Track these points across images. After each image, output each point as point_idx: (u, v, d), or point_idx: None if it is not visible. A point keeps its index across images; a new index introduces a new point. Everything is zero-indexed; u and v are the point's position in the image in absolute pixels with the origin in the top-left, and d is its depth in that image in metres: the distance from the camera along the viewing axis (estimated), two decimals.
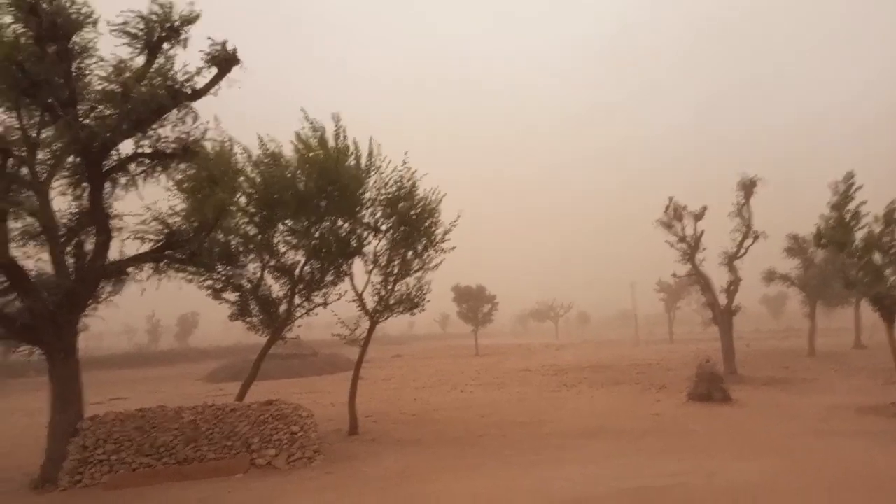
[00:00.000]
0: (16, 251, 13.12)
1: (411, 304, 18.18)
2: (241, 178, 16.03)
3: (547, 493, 10.82)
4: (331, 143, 16.60)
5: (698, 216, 32.47)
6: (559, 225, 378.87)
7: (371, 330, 18.45)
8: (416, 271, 17.97)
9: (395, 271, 17.85)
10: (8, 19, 11.88)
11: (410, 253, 17.72)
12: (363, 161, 16.99)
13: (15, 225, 13.35)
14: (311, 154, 16.39)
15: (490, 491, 11.16)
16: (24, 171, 13.06)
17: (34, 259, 13.81)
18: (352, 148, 16.86)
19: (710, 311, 32.26)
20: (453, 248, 18.11)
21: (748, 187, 31.08)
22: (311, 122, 16.67)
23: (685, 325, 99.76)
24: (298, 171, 16.51)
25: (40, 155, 13.31)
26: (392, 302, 18.04)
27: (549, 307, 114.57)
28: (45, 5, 11.81)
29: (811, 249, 40.47)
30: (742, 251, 31.49)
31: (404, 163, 17.25)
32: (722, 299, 31.32)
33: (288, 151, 16.80)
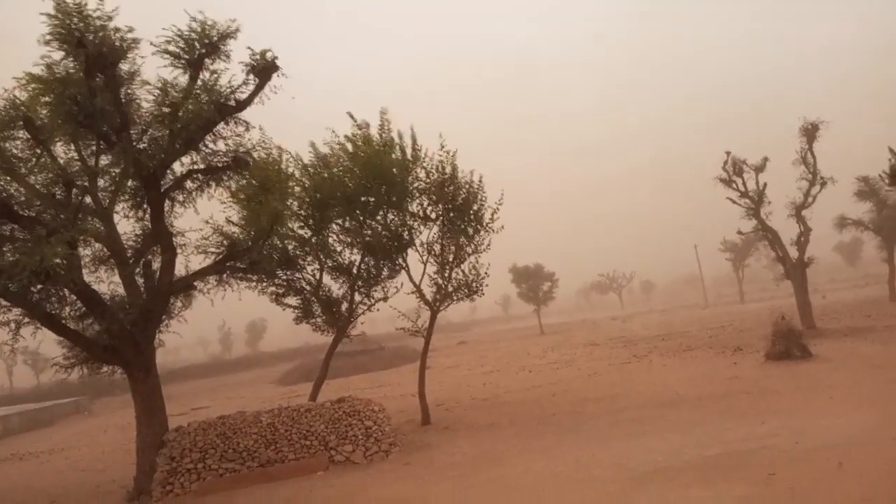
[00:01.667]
0: (88, 276, 13.70)
1: (470, 289, 18.15)
2: (292, 183, 16.29)
3: (628, 466, 10.64)
4: (375, 137, 16.70)
5: (759, 168, 31.19)
6: (613, 195, 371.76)
7: (433, 319, 18.52)
8: (470, 255, 17.91)
9: (451, 258, 17.83)
10: (58, 55, 12.34)
11: (462, 238, 17.65)
12: (408, 152, 17.02)
13: (85, 252, 13.94)
14: (356, 152, 16.52)
15: (570, 468, 11.05)
16: (88, 199, 13.61)
17: (107, 283, 14.43)
18: (396, 140, 16.92)
19: (782, 266, 31.05)
20: (502, 227, 17.99)
21: (810, 132, 29.59)
22: (356, 121, 16.81)
23: (755, 284, 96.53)
24: (343, 171, 16.66)
25: (101, 182, 13.86)
26: (451, 289, 18.05)
27: (610, 279, 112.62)
28: (91, 36, 12.18)
29: (884, 189, 38.31)
30: (810, 200, 30.10)
31: (442, 147, 17.22)
32: (793, 252, 30.10)
33: (332, 151, 16.99)
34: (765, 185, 31.05)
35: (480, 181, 17.57)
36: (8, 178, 12.27)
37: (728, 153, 31.77)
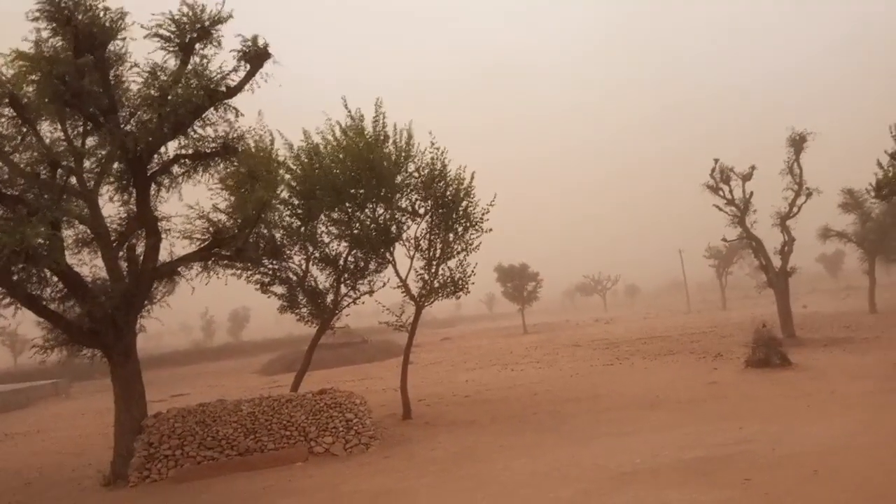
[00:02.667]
0: (71, 258, 13.53)
1: (455, 286, 18.13)
2: (282, 172, 16.16)
3: (608, 466, 10.70)
4: (368, 130, 16.58)
5: (746, 177, 31.48)
6: (601, 198, 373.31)
7: (417, 315, 18.50)
8: (457, 253, 17.87)
9: (437, 255, 17.79)
10: (46, 34, 12.16)
11: (451, 235, 17.61)
12: (402, 146, 16.92)
13: (68, 233, 13.78)
14: (345, 143, 16.42)
15: (550, 467, 11.09)
16: (73, 180, 13.44)
17: (89, 265, 14.27)
18: (390, 134, 16.82)
19: (765, 275, 31.35)
20: (490, 229, 17.96)
21: (798, 143, 29.87)
22: (350, 112, 16.70)
23: (738, 291, 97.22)
24: (334, 161, 16.54)
25: (87, 164, 13.68)
26: (436, 286, 18.03)
27: (595, 281, 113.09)
28: (80, 16, 12.02)
29: (868, 202, 38.78)
30: (795, 210, 30.39)
31: (432, 143, 17.17)
32: (776, 261, 30.39)
33: (324, 140, 16.88)
34: (751, 193, 31.35)
35: (472, 179, 17.50)
36: None
37: (716, 160, 32.04)
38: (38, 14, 11.92)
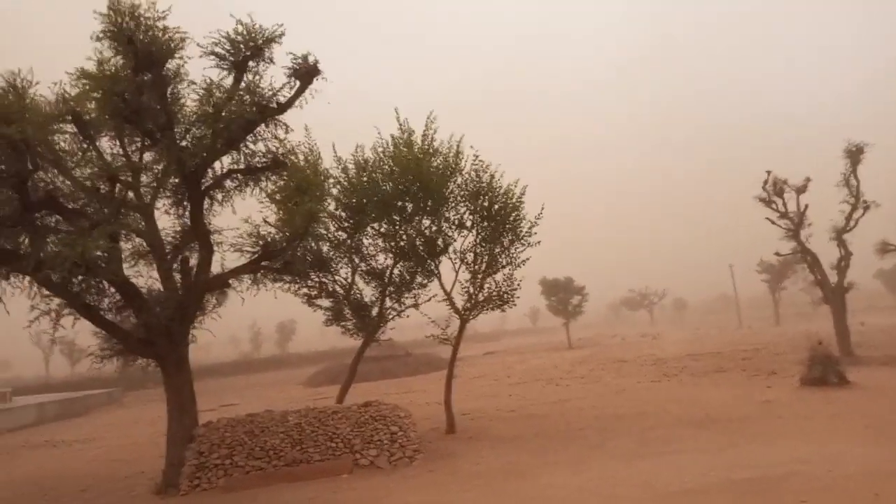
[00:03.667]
0: (128, 270, 13.99)
1: (501, 300, 18.04)
2: (330, 185, 16.42)
3: (655, 485, 10.44)
4: (418, 143, 16.75)
5: (800, 189, 30.51)
6: (648, 212, 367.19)
7: (462, 328, 18.46)
8: (503, 267, 17.80)
9: (483, 268, 17.76)
10: (108, 53, 12.69)
11: (497, 248, 17.57)
12: (451, 160, 17.01)
13: (125, 246, 14.26)
14: (398, 154, 16.60)
15: (595, 484, 10.89)
16: (131, 194, 13.92)
17: (145, 277, 14.73)
18: (439, 147, 16.95)
19: (820, 290, 30.29)
20: (538, 242, 17.81)
21: (854, 154, 28.90)
22: (401, 125, 16.90)
23: (792, 307, 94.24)
24: (383, 174, 16.75)
25: (144, 178, 14.17)
26: (481, 299, 17.98)
27: (641, 295, 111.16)
28: (140, 36, 12.51)
29: None
30: (852, 224, 29.33)
31: (476, 157, 17.20)
32: (832, 276, 29.33)
33: (377, 153, 17.12)
34: (806, 206, 30.38)
35: (523, 192, 17.39)
36: (55, 171, 12.63)
37: (769, 172, 31.18)
38: (101, 35, 12.46)
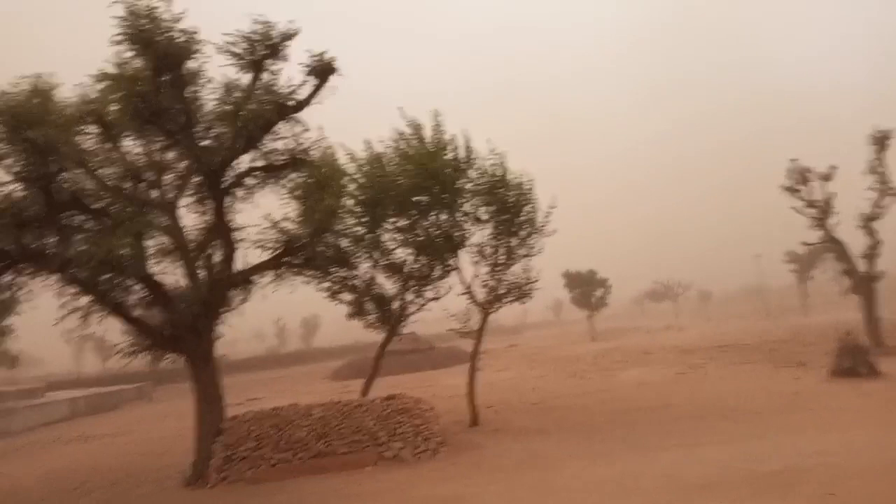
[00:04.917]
0: (153, 267, 14.24)
1: (520, 292, 18.06)
2: (347, 181, 16.54)
3: (680, 477, 10.37)
4: (427, 138, 16.83)
5: (826, 177, 29.93)
6: (671, 200, 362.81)
7: (483, 321, 18.49)
8: (521, 258, 17.82)
9: (502, 260, 17.78)
10: (128, 55, 12.89)
11: (514, 240, 17.59)
12: (461, 153, 17.08)
13: (150, 244, 14.50)
14: (409, 151, 16.68)
15: (620, 476, 10.86)
16: (155, 193, 14.16)
17: (170, 274, 14.98)
18: (449, 141, 16.99)
19: (849, 280, 29.72)
20: (554, 231, 17.87)
21: (880, 140, 28.27)
22: (410, 121, 16.99)
23: (820, 297, 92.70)
24: (397, 170, 16.84)
25: (167, 177, 14.40)
26: (501, 291, 18.00)
27: (666, 287, 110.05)
28: (159, 37, 12.69)
29: None
30: (880, 211, 28.71)
31: (491, 150, 17.25)
32: (861, 265, 28.78)
33: (387, 149, 17.21)
34: (833, 194, 29.80)
35: (530, 182, 17.46)
36: (79, 171, 12.88)
37: (793, 160, 30.63)
38: (121, 37, 12.66)
